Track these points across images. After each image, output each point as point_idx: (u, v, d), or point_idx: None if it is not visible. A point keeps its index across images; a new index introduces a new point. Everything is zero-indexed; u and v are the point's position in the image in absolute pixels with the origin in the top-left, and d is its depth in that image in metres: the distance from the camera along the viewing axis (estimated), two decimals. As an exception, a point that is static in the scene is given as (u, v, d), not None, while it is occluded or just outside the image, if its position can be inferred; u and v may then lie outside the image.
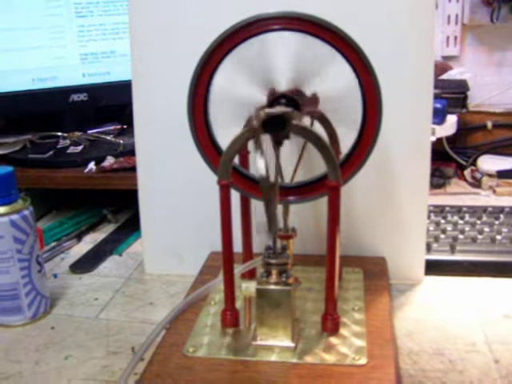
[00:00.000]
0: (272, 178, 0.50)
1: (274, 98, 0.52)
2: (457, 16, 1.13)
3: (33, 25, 0.95)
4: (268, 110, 0.48)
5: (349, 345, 0.52)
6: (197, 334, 0.55)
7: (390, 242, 0.70)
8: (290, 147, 0.58)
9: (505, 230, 0.79)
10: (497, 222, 0.82)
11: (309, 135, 0.49)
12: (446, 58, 1.17)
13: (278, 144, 0.50)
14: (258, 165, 0.47)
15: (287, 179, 0.59)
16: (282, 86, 0.53)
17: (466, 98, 1.09)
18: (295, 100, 0.52)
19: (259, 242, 0.61)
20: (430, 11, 0.63)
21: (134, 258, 0.81)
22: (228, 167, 0.51)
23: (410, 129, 0.66)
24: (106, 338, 0.61)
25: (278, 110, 0.49)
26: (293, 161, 0.60)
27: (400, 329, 0.61)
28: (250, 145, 0.58)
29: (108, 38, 0.99)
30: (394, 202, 0.68)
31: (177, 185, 0.72)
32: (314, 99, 0.54)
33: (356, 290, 0.62)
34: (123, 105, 1.03)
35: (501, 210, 0.86)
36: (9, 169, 0.63)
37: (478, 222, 0.82)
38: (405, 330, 0.61)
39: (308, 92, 0.54)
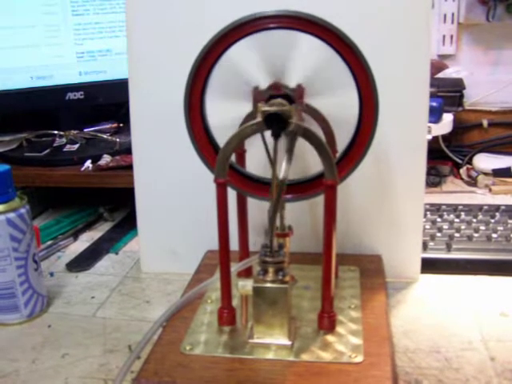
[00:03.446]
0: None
1: (270, 97, 0.52)
2: (453, 15, 1.13)
3: (29, 23, 0.95)
4: (268, 108, 0.48)
5: (345, 343, 0.53)
6: (194, 332, 0.55)
7: (386, 240, 0.70)
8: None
9: (500, 228, 0.79)
10: (492, 221, 0.82)
11: (305, 133, 0.49)
12: (441, 56, 1.17)
13: (276, 137, 0.50)
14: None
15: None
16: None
17: (461, 96, 1.09)
18: (291, 97, 0.52)
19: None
20: (427, 10, 0.63)
21: (130, 256, 0.81)
22: (225, 165, 0.51)
23: (406, 127, 0.66)
24: (103, 337, 0.61)
25: (279, 106, 0.49)
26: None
27: (396, 327, 0.61)
28: (247, 143, 0.58)
29: (104, 37, 0.99)
30: (391, 200, 0.68)
31: (173, 183, 0.72)
32: (300, 90, 0.54)
33: (352, 288, 0.63)
34: (120, 103, 1.03)
35: (496, 208, 0.86)
36: (5, 167, 0.63)
37: (474, 220, 0.82)
38: (401, 327, 0.61)
39: (293, 84, 0.54)
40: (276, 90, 0.52)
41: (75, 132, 1.00)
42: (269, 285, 0.51)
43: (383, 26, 0.64)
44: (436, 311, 0.64)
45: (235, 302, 0.57)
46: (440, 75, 1.13)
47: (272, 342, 0.52)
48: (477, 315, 0.63)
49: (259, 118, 0.49)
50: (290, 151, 0.50)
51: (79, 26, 0.98)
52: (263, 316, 0.52)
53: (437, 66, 1.13)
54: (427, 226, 0.80)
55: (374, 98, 0.51)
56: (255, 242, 0.62)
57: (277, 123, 0.48)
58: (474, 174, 1.05)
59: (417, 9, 0.63)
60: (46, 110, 1.03)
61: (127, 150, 0.89)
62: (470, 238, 0.77)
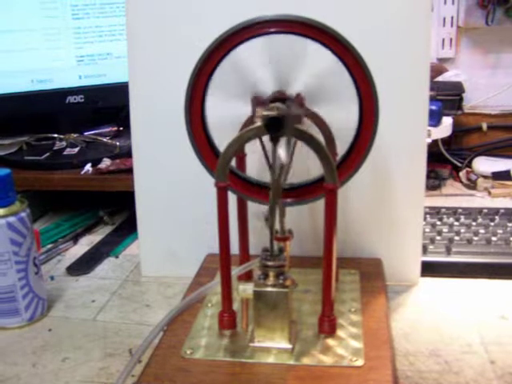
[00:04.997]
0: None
1: (271, 100, 0.52)
2: (452, 18, 1.13)
3: (29, 27, 0.95)
4: (268, 112, 0.48)
5: (346, 346, 0.53)
6: (194, 336, 0.55)
7: (386, 243, 0.70)
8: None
9: (500, 231, 0.79)
10: (492, 224, 0.82)
11: (305, 137, 0.49)
12: (441, 60, 1.17)
13: (274, 142, 0.50)
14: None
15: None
16: (268, 91, 0.53)
17: (461, 99, 1.09)
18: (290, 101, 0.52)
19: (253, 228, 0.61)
20: (426, 14, 0.63)
21: (130, 260, 0.81)
22: (225, 169, 0.51)
23: (406, 131, 0.66)
24: (103, 340, 0.61)
25: (279, 110, 0.49)
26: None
27: (396, 330, 0.61)
28: (247, 147, 0.58)
29: (104, 40, 0.99)
30: (390, 203, 0.69)
31: (173, 187, 0.72)
32: (300, 99, 0.54)
33: (352, 292, 0.63)
34: (120, 107, 1.03)
35: (496, 211, 0.86)
36: (6, 171, 0.63)
37: (474, 223, 0.82)
38: (401, 331, 0.61)
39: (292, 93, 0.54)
40: (279, 95, 0.52)
41: (75, 135, 1.01)
42: (269, 289, 0.52)
43: (382, 30, 0.64)
44: (436, 314, 0.64)
45: (236, 306, 0.57)
46: (439, 78, 1.13)
47: (273, 345, 0.53)
48: (476, 318, 0.63)
49: (259, 123, 0.49)
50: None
51: (79, 30, 0.98)
52: (264, 320, 0.52)
53: (436, 70, 1.13)
54: (427, 230, 0.80)
55: (374, 101, 0.51)
56: (255, 245, 0.62)
57: (276, 127, 0.48)
58: (473, 177, 1.05)
59: (416, 12, 0.63)
60: (46, 113, 1.02)
61: (127, 154, 0.90)
62: (469, 241, 0.77)
